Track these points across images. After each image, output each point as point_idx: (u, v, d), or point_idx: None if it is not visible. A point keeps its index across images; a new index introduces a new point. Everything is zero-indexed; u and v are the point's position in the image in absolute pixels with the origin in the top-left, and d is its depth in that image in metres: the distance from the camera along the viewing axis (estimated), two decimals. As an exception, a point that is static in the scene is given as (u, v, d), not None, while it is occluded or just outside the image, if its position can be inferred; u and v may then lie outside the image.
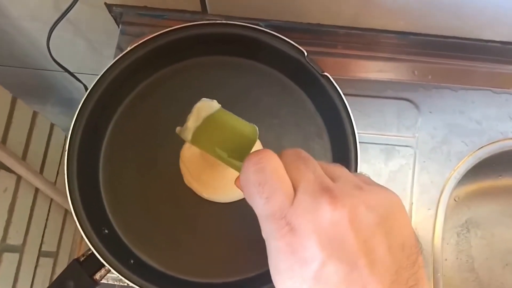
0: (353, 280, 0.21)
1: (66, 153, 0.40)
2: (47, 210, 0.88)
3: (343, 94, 0.42)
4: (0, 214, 0.73)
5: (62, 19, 0.51)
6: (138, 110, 0.46)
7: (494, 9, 0.46)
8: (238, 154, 0.31)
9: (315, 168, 0.24)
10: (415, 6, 0.47)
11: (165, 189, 0.43)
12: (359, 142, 0.42)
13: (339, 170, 0.25)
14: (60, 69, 0.59)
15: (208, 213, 0.43)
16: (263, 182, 0.23)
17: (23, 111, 0.78)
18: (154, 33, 0.43)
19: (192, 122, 0.32)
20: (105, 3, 0.53)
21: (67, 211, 0.93)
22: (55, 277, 0.40)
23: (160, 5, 0.52)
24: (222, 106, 0.34)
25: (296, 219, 0.22)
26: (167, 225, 0.43)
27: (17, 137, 0.77)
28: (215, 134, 0.32)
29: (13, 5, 0.57)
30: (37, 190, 0.82)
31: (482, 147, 0.51)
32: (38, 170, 0.83)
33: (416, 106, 0.52)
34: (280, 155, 0.25)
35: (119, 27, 0.54)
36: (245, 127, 0.32)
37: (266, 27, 0.44)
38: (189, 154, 0.43)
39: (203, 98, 0.33)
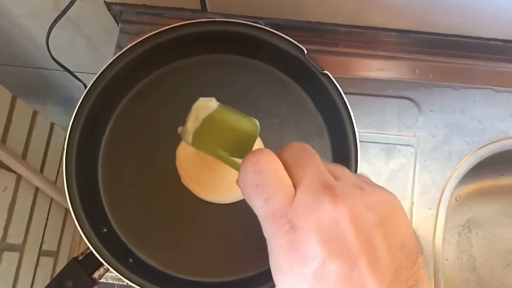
0: (353, 278, 0.21)
1: (65, 151, 0.40)
2: (47, 209, 0.88)
3: (344, 92, 0.42)
4: (0, 213, 0.73)
5: (61, 18, 0.51)
6: (138, 109, 0.46)
7: (495, 7, 0.46)
8: (240, 151, 0.31)
9: (319, 165, 0.24)
10: (416, 4, 0.47)
11: (165, 188, 0.43)
12: (360, 141, 0.41)
13: (341, 169, 0.25)
14: (60, 68, 0.59)
15: (207, 212, 0.42)
16: (261, 183, 0.23)
17: (23, 110, 0.78)
18: (154, 31, 0.43)
19: (191, 123, 0.32)
20: (105, 2, 0.53)
21: (67, 210, 0.93)
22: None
23: (159, 3, 0.52)
24: (222, 105, 0.33)
25: (297, 217, 0.22)
26: (166, 224, 0.42)
27: (17, 136, 0.76)
28: (215, 135, 0.31)
29: (13, 3, 0.57)
30: (37, 189, 0.82)
31: (483, 146, 0.51)
32: (38, 169, 0.83)
33: (417, 105, 0.52)
34: (286, 147, 0.25)
35: (118, 25, 0.54)
36: (245, 123, 0.32)
37: (266, 25, 0.44)
38: (186, 153, 0.43)
39: (201, 98, 0.32)
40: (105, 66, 0.42)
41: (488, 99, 0.52)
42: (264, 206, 0.23)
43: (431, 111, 0.51)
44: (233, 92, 0.46)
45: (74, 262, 0.38)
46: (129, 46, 0.43)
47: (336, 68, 0.52)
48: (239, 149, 0.31)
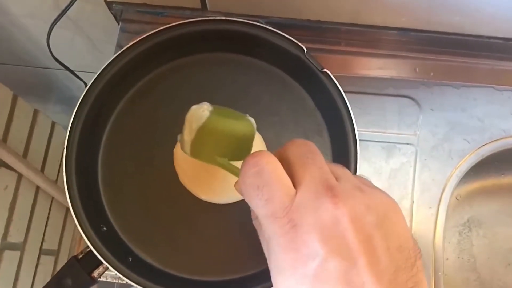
0: (352, 277, 0.21)
1: (65, 150, 0.40)
2: (48, 208, 0.88)
3: (344, 91, 0.42)
4: (1, 212, 0.73)
5: (62, 17, 0.51)
6: (138, 107, 0.46)
7: (495, 5, 0.46)
8: (240, 153, 0.31)
9: (321, 165, 0.24)
10: (417, 2, 0.47)
11: (164, 187, 0.43)
12: (360, 140, 0.41)
13: (341, 170, 0.26)
14: (61, 67, 0.59)
15: (206, 211, 0.42)
16: (261, 185, 0.23)
17: (24, 109, 0.78)
18: (154, 30, 0.43)
19: (187, 135, 0.31)
20: (105, 1, 0.53)
21: (68, 210, 0.93)
22: (55, 275, 0.40)
23: (159, 2, 0.52)
24: (222, 104, 0.33)
25: (298, 217, 0.22)
26: (166, 223, 0.42)
27: (18, 135, 0.77)
28: (211, 144, 0.31)
29: (13, 2, 0.57)
30: (38, 188, 0.82)
31: (484, 145, 0.51)
32: (39, 169, 0.83)
33: (418, 104, 0.51)
34: (289, 144, 0.26)
35: (119, 24, 0.54)
36: (240, 126, 0.31)
37: (266, 24, 0.44)
38: (183, 153, 0.43)
39: (193, 106, 0.32)
40: (105, 65, 0.42)
41: (488, 97, 0.52)
42: (265, 206, 0.23)
43: (432, 109, 0.51)
44: (233, 90, 0.46)
45: (73, 261, 0.38)
46: (129, 45, 0.43)
47: (336, 67, 0.52)
48: (238, 152, 0.31)
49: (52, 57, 0.56)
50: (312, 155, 0.24)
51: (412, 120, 0.51)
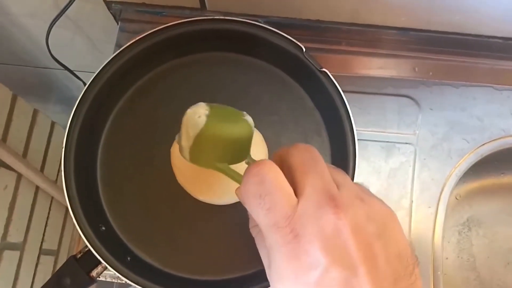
0: (353, 286, 0.21)
1: (63, 149, 0.40)
2: (48, 208, 0.88)
3: (343, 90, 0.42)
4: (1, 212, 0.73)
5: (61, 16, 0.51)
6: (137, 107, 0.46)
7: (495, 5, 0.46)
8: (239, 156, 0.31)
9: (324, 173, 0.24)
10: (416, 2, 0.47)
11: (163, 187, 0.43)
12: (359, 139, 0.41)
13: (342, 177, 0.26)
14: (60, 67, 0.59)
15: (205, 211, 0.42)
16: (263, 194, 0.23)
17: (24, 109, 0.78)
18: (153, 29, 0.43)
19: (185, 141, 0.31)
20: (104, 0, 0.53)
21: (67, 209, 0.93)
22: (55, 275, 0.41)
23: (158, 1, 0.52)
24: (221, 103, 0.33)
25: (300, 227, 0.22)
26: (165, 222, 0.42)
27: (17, 135, 0.77)
28: (209, 151, 0.30)
29: (13, 2, 0.57)
30: (37, 188, 0.82)
31: (484, 144, 0.51)
32: (39, 168, 0.83)
33: (417, 103, 0.51)
34: (291, 149, 0.26)
35: (118, 24, 0.54)
36: (238, 128, 0.30)
37: (265, 23, 0.44)
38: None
39: (188, 110, 0.31)
40: (104, 64, 0.42)
41: (488, 97, 0.52)
42: (267, 216, 0.23)
43: (431, 109, 0.51)
44: (232, 90, 0.46)
45: (72, 260, 0.38)
46: (127, 44, 0.43)
47: (336, 66, 0.52)
48: (237, 154, 0.31)
49: (51, 57, 0.56)
50: (314, 162, 0.25)
51: (411, 120, 0.51)
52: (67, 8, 0.50)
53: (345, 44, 0.53)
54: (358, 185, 0.26)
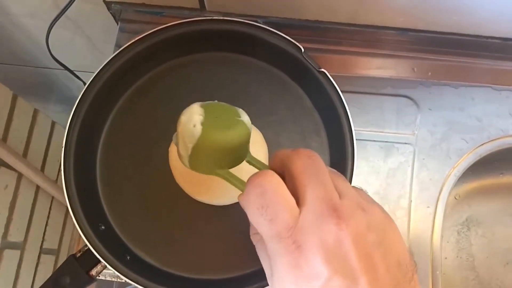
0: None
1: (63, 149, 0.40)
2: (48, 207, 0.88)
3: (342, 91, 0.42)
4: (1, 211, 0.73)
5: (61, 17, 0.51)
6: (136, 106, 0.46)
7: (494, 5, 0.46)
8: (238, 158, 0.31)
9: (326, 182, 0.24)
10: (415, 2, 0.47)
11: (163, 186, 0.43)
12: (358, 139, 0.41)
13: (343, 184, 0.26)
14: (60, 67, 0.59)
15: (204, 210, 0.42)
16: (266, 205, 0.24)
17: (24, 108, 0.79)
18: (152, 29, 0.43)
19: (183, 150, 0.30)
20: (104, 1, 0.53)
21: (68, 209, 0.93)
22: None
23: (158, 2, 0.52)
24: (209, 104, 0.32)
25: (303, 238, 0.23)
26: (164, 221, 0.43)
27: (18, 134, 0.77)
28: (208, 159, 0.30)
29: (13, 2, 0.57)
30: (38, 187, 0.83)
31: (482, 144, 0.51)
32: (39, 168, 0.83)
33: (416, 103, 0.52)
34: (293, 155, 0.26)
35: (118, 24, 0.54)
36: (235, 133, 0.29)
37: (264, 23, 0.44)
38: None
39: (182, 117, 0.30)
40: (103, 64, 0.42)
41: (487, 97, 0.52)
42: (269, 227, 0.23)
43: (430, 109, 0.51)
44: (232, 90, 0.46)
45: (72, 259, 0.39)
46: (127, 44, 0.43)
47: (335, 67, 0.52)
48: (237, 156, 0.30)
49: (51, 57, 0.56)
50: (316, 171, 0.25)
51: (410, 120, 0.51)
52: (67, 8, 0.50)
53: (344, 44, 0.53)
54: (358, 190, 0.27)
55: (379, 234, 0.24)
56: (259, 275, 0.39)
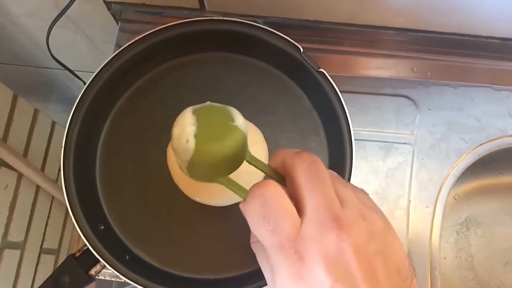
0: None
1: (63, 149, 0.40)
2: (49, 207, 0.88)
3: (341, 91, 0.42)
4: (1, 211, 0.73)
5: (61, 17, 0.52)
6: (136, 106, 0.46)
7: (493, 5, 0.46)
8: (238, 162, 0.30)
9: (328, 191, 0.24)
10: (414, 2, 0.47)
11: (162, 186, 0.43)
12: (357, 139, 0.41)
13: (345, 190, 0.26)
14: (60, 67, 0.59)
15: (203, 210, 0.42)
16: (267, 215, 0.24)
17: (24, 108, 0.79)
18: (152, 30, 0.44)
19: (180, 162, 0.30)
20: (104, 1, 0.53)
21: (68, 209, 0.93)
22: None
23: (158, 2, 0.52)
24: (219, 103, 0.32)
25: (304, 248, 0.23)
26: (163, 221, 0.43)
27: (18, 134, 0.77)
28: (206, 170, 0.30)
29: (13, 2, 0.57)
30: (38, 187, 0.83)
31: (481, 144, 0.51)
32: (40, 168, 0.83)
33: (415, 103, 0.52)
34: (296, 161, 0.26)
35: (118, 24, 0.54)
36: (230, 142, 0.28)
37: (264, 24, 0.44)
38: None
39: (174, 130, 0.29)
40: (103, 64, 0.43)
41: (486, 97, 0.52)
42: (271, 237, 0.24)
43: (429, 109, 0.52)
44: (231, 90, 0.46)
45: (71, 259, 0.39)
46: (127, 44, 0.43)
47: (334, 67, 0.52)
48: (236, 162, 0.30)
49: (51, 57, 0.57)
50: (318, 179, 0.25)
51: (409, 120, 0.51)
52: (67, 9, 0.51)
53: (343, 44, 0.54)
54: (359, 193, 0.27)
55: (379, 242, 0.24)
56: (258, 275, 0.39)
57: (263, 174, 0.39)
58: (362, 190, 0.28)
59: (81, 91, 0.42)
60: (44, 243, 0.87)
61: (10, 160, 0.72)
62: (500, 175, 0.59)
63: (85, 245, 0.38)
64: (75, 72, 0.62)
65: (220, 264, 0.42)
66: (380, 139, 0.51)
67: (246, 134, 0.30)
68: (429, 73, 0.53)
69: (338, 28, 0.52)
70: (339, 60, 0.53)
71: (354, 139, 0.41)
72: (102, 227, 0.41)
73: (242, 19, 0.44)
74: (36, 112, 0.82)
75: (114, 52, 0.44)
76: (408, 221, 0.48)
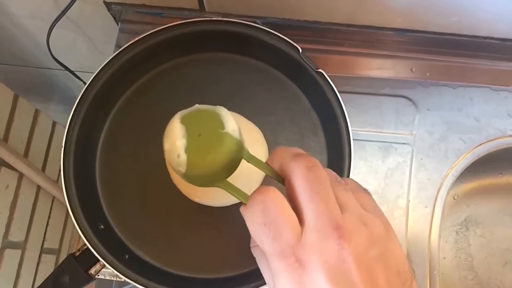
0: None
1: (62, 149, 0.41)
2: (49, 207, 0.89)
3: (340, 91, 0.42)
4: (2, 211, 0.74)
5: (61, 17, 0.52)
6: (135, 106, 0.46)
7: (492, 5, 0.46)
8: (235, 166, 0.30)
9: (328, 198, 0.24)
10: (413, 3, 0.47)
11: (161, 186, 0.43)
12: (357, 140, 0.41)
13: (344, 194, 0.26)
14: (61, 67, 0.60)
15: (202, 210, 0.43)
16: (268, 222, 0.24)
17: (25, 109, 0.79)
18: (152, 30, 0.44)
19: (177, 170, 0.30)
20: (104, 1, 0.54)
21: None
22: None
23: (158, 3, 0.52)
24: (219, 103, 0.32)
25: (305, 256, 0.23)
26: (163, 221, 0.43)
27: (19, 134, 0.77)
28: (202, 179, 0.30)
29: (13, 3, 0.58)
30: (39, 187, 0.83)
31: (480, 144, 0.51)
32: (40, 168, 0.84)
33: (414, 104, 0.52)
34: (295, 162, 0.25)
35: (118, 25, 0.55)
36: (222, 149, 0.28)
37: (263, 24, 0.44)
38: None
39: (165, 145, 0.30)
40: (103, 64, 0.43)
41: (485, 97, 0.52)
42: (272, 244, 0.24)
43: (428, 109, 0.52)
44: (230, 90, 0.46)
45: (71, 258, 0.39)
46: (126, 45, 0.43)
47: (334, 67, 0.52)
48: (232, 166, 0.30)
49: (52, 58, 0.57)
50: (318, 185, 0.24)
51: (408, 120, 0.51)
52: (68, 9, 0.51)
53: (342, 45, 0.54)
54: (360, 194, 0.27)
55: (380, 247, 0.24)
56: (258, 274, 0.39)
57: (263, 173, 0.40)
58: (364, 190, 0.28)
59: (81, 91, 0.42)
60: (44, 243, 0.87)
61: (11, 160, 0.72)
62: (500, 175, 0.59)
63: (85, 244, 0.39)
64: (75, 72, 0.62)
65: (219, 263, 0.42)
66: (379, 139, 0.51)
67: (239, 137, 0.29)
68: (428, 74, 0.53)
69: (337, 29, 0.52)
70: (338, 61, 0.53)
71: (354, 139, 0.41)
72: (102, 226, 0.41)
73: (241, 20, 0.44)
74: (36, 112, 0.82)
75: (114, 52, 0.44)
76: (407, 221, 0.48)
